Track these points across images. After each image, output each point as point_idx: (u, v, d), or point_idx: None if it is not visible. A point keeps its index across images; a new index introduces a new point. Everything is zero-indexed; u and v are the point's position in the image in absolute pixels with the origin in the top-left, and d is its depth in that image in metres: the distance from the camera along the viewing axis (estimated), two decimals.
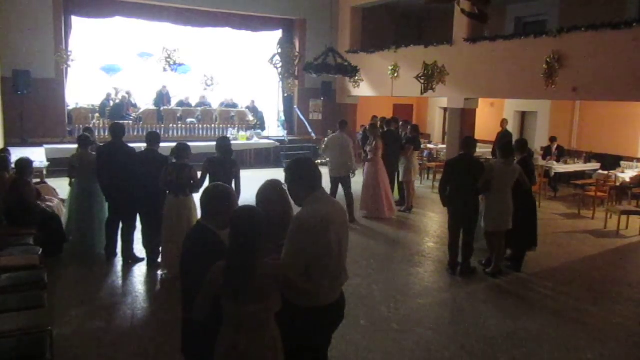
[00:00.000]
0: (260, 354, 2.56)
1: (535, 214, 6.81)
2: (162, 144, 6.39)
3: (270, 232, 3.07)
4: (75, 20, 13.62)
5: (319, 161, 10.26)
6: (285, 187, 3.06)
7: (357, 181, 9.23)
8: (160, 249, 6.13)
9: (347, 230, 3.07)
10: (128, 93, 15.52)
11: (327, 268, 2.84)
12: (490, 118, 14.61)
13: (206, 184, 6.02)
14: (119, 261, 6.40)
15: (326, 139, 9.04)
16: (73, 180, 6.79)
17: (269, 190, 3.16)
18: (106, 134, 12.64)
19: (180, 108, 15.58)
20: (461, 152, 6.42)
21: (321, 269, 2.81)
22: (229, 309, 2.54)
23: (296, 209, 3.41)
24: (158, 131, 10.29)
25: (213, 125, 14.99)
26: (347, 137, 8.64)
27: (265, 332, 2.59)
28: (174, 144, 6.18)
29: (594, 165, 11.91)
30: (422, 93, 12.23)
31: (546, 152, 12.05)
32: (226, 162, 6.13)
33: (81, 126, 11.92)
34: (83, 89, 15.92)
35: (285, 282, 2.61)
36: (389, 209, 9.08)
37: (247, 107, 16.80)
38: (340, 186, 8.61)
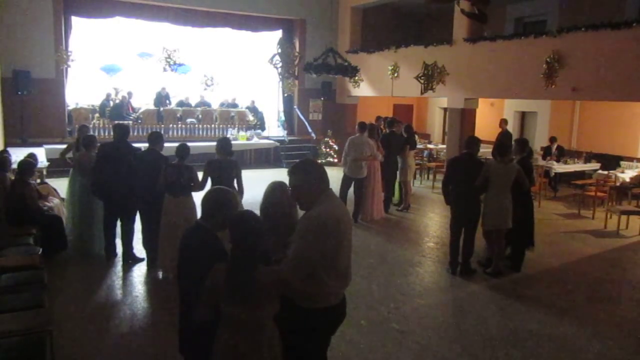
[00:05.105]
0: (259, 355, 2.57)
1: (532, 214, 6.81)
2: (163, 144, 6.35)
3: (277, 233, 3.08)
4: (75, 20, 13.62)
5: (321, 161, 10.20)
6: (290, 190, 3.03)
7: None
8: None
9: (351, 231, 3.07)
10: (129, 93, 15.50)
11: (335, 269, 2.82)
12: (490, 118, 14.59)
13: (208, 185, 6.05)
14: (119, 261, 6.40)
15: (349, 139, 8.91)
16: (74, 176, 6.74)
17: (274, 192, 3.18)
18: (106, 134, 12.67)
19: (180, 108, 15.58)
20: (464, 151, 6.44)
21: (329, 269, 2.78)
22: (229, 313, 2.55)
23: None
24: (158, 131, 10.27)
25: (213, 126, 14.99)
26: (366, 139, 8.57)
27: (264, 334, 2.60)
28: (174, 144, 6.16)
29: (594, 165, 11.91)
30: (422, 93, 12.26)
31: (546, 152, 12.05)
32: (227, 163, 6.12)
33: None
34: (83, 89, 15.93)
35: (284, 286, 2.61)
36: (377, 212, 9.07)
37: (247, 107, 16.81)
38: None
